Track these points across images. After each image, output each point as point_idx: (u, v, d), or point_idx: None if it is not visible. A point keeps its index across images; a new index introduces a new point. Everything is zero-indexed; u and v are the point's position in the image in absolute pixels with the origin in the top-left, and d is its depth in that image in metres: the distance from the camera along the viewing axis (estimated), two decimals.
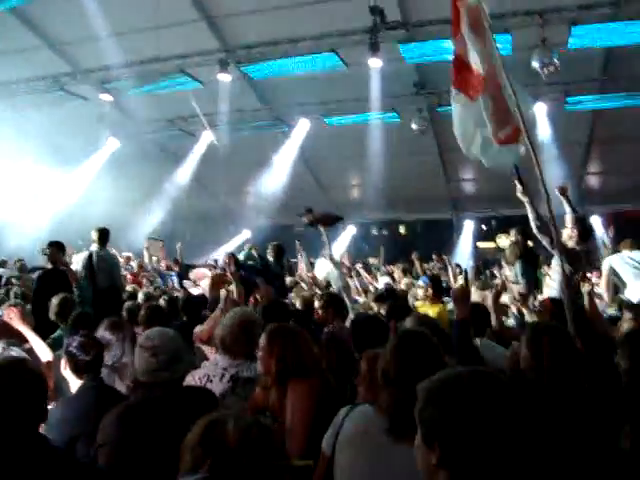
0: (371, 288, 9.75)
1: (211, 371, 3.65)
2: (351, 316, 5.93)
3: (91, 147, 16.08)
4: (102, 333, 4.25)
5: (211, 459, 1.35)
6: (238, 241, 19.02)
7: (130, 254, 13.54)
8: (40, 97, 13.68)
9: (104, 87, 13.08)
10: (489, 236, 18.47)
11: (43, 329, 5.20)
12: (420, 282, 7.23)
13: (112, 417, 2.80)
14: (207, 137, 15.46)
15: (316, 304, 6.05)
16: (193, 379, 3.47)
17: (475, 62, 4.41)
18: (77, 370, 3.45)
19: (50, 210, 15.52)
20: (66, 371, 3.47)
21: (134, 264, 12.97)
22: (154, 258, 13.31)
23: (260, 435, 1.43)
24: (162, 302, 6.63)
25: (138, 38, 11.72)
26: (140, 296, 7.94)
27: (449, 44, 9.78)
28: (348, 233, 19.91)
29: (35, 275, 8.36)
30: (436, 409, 1.59)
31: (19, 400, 2.11)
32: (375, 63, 11.10)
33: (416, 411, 1.64)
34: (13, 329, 4.66)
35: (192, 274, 11.58)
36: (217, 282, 6.52)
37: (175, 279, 12.28)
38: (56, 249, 7.55)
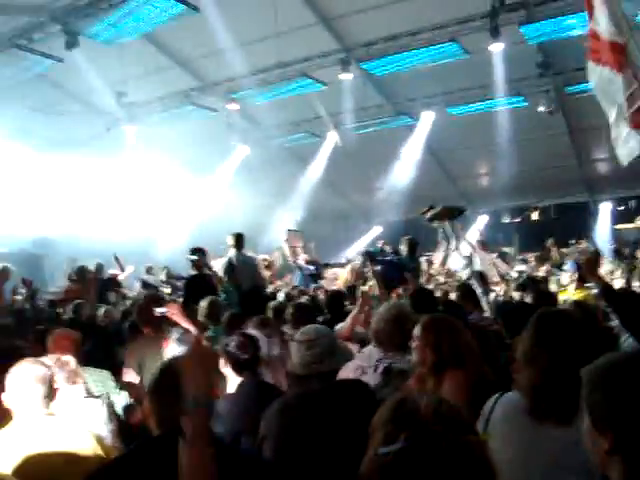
0: (509, 276, 9.56)
1: (365, 363, 3.73)
2: (484, 306, 5.86)
3: (223, 156, 16.78)
4: (250, 331, 4.43)
5: (405, 433, 1.38)
6: (370, 238, 19.14)
7: (267, 256, 13.96)
8: (172, 113, 14.44)
9: (231, 97, 13.61)
10: (628, 217, 17.47)
11: None
12: (567, 267, 7.02)
13: (273, 410, 2.93)
14: (333, 137, 15.70)
15: (452, 296, 5.99)
16: (346, 372, 3.55)
17: (610, 32, 4.21)
18: (237, 368, 3.65)
19: (192, 219, 16.39)
20: (226, 368, 3.67)
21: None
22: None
23: (450, 410, 1.45)
24: (304, 300, 6.83)
25: (260, 47, 12.07)
26: (281, 295, 8.23)
27: (573, 20, 9.46)
28: (480, 223, 19.51)
29: (182, 282, 8.84)
30: (605, 394, 1.54)
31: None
32: (497, 47, 10.87)
33: (583, 396, 1.61)
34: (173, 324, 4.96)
35: (328, 273, 11.78)
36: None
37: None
38: (201, 255, 7.97)
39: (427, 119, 14.78)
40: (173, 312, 4.92)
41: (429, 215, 7.12)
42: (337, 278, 11.42)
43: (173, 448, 1.83)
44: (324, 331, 3.24)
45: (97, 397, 3.78)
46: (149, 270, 12.77)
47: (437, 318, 3.34)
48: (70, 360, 3.75)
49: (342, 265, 13.51)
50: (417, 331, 3.21)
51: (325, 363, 3.04)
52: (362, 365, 3.71)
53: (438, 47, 11.11)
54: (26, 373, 3.01)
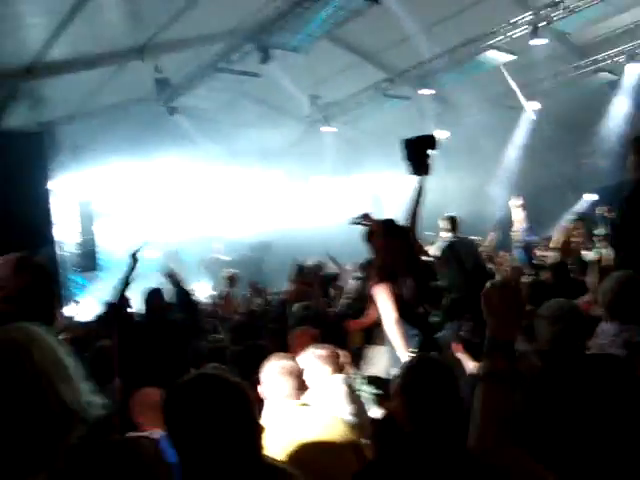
0: None
1: (602, 341, 3.51)
2: None
3: None
4: None
5: None
6: (580, 208, 17.97)
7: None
8: (365, 108, 14.71)
9: (422, 83, 13.54)
10: None
11: None
12: None
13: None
14: (529, 108, 15.02)
15: None
16: None
17: None
18: (472, 353, 3.65)
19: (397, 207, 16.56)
20: (461, 354, 3.68)
21: None
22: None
23: None
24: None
25: (443, 27, 11.90)
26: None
27: None
28: None
29: None
30: None
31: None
32: None
33: None
34: None
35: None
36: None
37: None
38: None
39: (632, 73, 13.53)
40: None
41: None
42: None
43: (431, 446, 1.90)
44: (568, 306, 3.14)
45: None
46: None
47: None
48: (338, 353, 3.97)
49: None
50: None
51: (569, 340, 2.94)
52: (599, 343, 3.49)
53: None
54: (277, 367, 3.24)
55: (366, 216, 5.23)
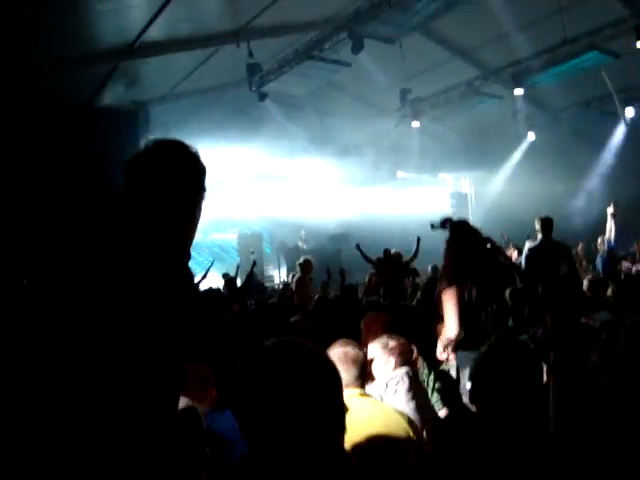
0: None
1: None
2: None
3: (510, 144, 16.41)
4: None
5: None
6: None
7: None
8: (456, 105, 14.47)
9: (516, 82, 13.19)
10: None
11: None
12: None
13: None
14: (629, 114, 14.44)
15: None
16: None
17: None
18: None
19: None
20: None
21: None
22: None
23: None
24: None
25: (543, 26, 11.57)
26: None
27: None
28: None
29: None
30: None
31: None
32: None
33: None
34: None
35: None
36: None
37: None
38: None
39: None
40: None
41: None
42: None
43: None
44: None
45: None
46: None
47: None
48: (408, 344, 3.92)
49: None
50: None
51: None
52: None
53: None
54: (339, 354, 3.16)
55: (446, 221, 5.12)
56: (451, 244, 4.82)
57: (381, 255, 10.24)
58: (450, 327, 4.44)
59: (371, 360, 3.71)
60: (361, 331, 4.58)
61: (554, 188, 16.46)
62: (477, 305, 4.54)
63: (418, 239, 10.10)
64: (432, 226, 5.59)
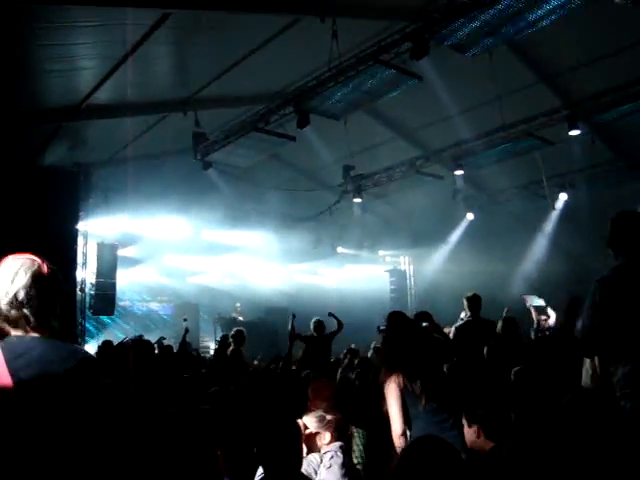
0: None
1: None
2: None
3: (449, 224, 16.80)
4: None
5: None
6: None
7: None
8: (397, 183, 14.79)
9: (456, 164, 13.58)
10: None
11: None
12: None
13: None
14: (562, 200, 15.00)
15: None
16: None
17: None
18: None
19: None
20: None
21: None
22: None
23: None
24: None
25: (482, 111, 12.05)
26: None
27: None
28: None
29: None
30: None
31: None
32: None
33: None
34: None
35: None
36: None
37: None
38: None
39: None
40: None
41: None
42: None
43: None
44: None
45: None
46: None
47: None
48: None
49: None
50: None
51: None
52: None
53: None
54: None
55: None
56: (387, 334, 4.89)
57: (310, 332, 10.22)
58: (395, 424, 4.37)
59: (307, 434, 3.75)
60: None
61: (493, 268, 16.81)
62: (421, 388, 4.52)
63: (329, 313, 10.43)
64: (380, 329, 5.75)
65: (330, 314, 10.42)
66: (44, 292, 2.08)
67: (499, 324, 7.55)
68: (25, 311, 2.03)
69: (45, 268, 2.11)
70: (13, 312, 2.03)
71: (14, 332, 2.04)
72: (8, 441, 1.82)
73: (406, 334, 4.76)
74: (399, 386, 4.43)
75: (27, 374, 1.91)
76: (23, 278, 2.05)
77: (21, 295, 2.03)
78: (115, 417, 2.00)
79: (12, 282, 2.04)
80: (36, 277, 2.07)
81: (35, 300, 2.04)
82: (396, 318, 4.96)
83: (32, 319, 2.03)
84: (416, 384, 4.43)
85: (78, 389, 1.94)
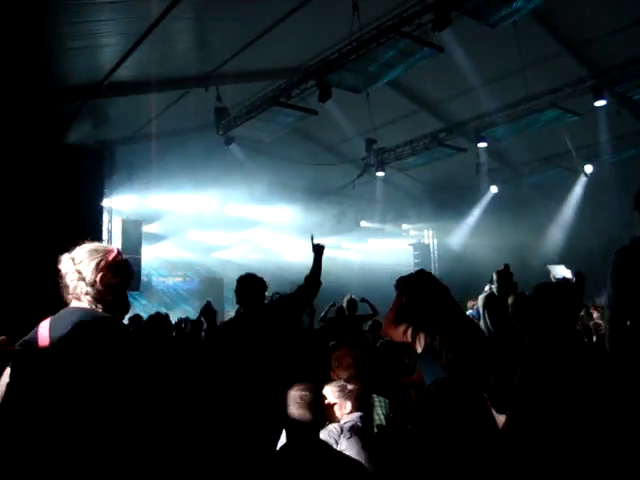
0: None
1: None
2: None
3: (475, 197, 16.69)
4: None
5: None
6: None
7: None
8: (421, 156, 14.69)
9: (479, 136, 13.45)
10: None
11: None
12: None
13: None
14: (587, 171, 14.81)
15: None
16: None
17: None
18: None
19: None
20: None
21: None
22: None
23: None
24: None
25: (506, 82, 11.91)
26: None
27: None
28: None
29: None
30: None
31: None
32: None
33: None
34: None
35: None
36: None
37: None
38: None
39: None
40: None
41: None
42: None
43: None
44: None
45: None
46: None
47: None
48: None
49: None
50: None
51: None
52: None
53: None
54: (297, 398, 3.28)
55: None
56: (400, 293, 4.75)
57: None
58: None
59: (327, 404, 3.71)
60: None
61: (517, 241, 16.69)
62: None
63: (363, 299, 10.01)
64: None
65: (363, 299, 10.03)
66: (105, 275, 2.46)
67: (510, 299, 7.44)
68: (87, 289, 2.42)
69: (112, 256, 2.51)
70: (78, 289, 2.43)
71: (74, 304, 2.44)
72: (46, 389, 2.20)
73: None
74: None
75: (61, 334, 2.30)
76: (89, 262, 2.46)
77: (86, 275, 2.44)
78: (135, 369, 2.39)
79: (80, 263, 2.46)
80: (99, 263, 2.46)
81: (97, 282, 2.44)
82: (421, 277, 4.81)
83: (90, 296, 2.43)
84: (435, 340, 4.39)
85: (104, 347, 2.31)
